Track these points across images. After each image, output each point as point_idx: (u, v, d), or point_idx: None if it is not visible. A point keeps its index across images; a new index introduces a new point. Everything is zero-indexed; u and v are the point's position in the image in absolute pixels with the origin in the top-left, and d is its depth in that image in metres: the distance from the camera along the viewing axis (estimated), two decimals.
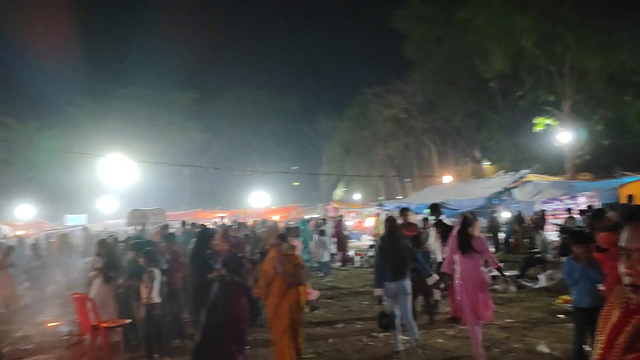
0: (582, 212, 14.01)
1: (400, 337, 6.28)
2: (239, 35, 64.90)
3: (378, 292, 6.27)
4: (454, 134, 37.08)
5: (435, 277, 7.08)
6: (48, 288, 13.00)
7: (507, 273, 10.44)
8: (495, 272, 6.99)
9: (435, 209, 9.01)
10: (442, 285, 7.54)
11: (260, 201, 38.93)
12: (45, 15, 49.20)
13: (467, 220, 6.14)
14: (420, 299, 7.85)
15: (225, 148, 48.52)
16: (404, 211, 8.62)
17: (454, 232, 6.37)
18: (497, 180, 22.88)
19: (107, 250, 7.82)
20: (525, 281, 10.59)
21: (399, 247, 6.26)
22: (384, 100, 38.81)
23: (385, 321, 6.25)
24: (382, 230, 7.54)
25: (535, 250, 12.31)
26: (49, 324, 9.33)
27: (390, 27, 32.39)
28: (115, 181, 38.34)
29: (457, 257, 6.10)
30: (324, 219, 20.55)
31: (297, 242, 10.15)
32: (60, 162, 40.16)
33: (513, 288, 10.05)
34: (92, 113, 42.99)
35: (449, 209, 21.64)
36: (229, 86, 49.92)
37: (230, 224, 19.11)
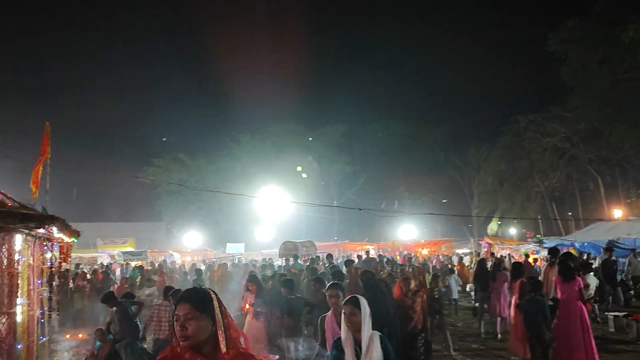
0: None
1: None
2: (387, 67, 65.66)
3: None
4: (624, 164, 33.25)
5: None
6: None
7: None
8: None
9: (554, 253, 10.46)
10: None
11: (408, 234, 38.50)
12: (212, 67, 55.07)
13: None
14: None
15: (372, 179, 49.14)
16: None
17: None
18: None
19: (257, 286, 8.34)
20: None
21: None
22: (541, 128, 36.31)
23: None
24: None
25: None
26: None
27: (546, 50, 30.37)
28: (270, 213, 41.08)
29: None
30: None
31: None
32: (223, 194, 44.11)
33: None
34: (251, 148, 46.64)
35: (622, 248, 19.38)
36: (377, 118, 50.72)
37: (375, 258, 19.11)
